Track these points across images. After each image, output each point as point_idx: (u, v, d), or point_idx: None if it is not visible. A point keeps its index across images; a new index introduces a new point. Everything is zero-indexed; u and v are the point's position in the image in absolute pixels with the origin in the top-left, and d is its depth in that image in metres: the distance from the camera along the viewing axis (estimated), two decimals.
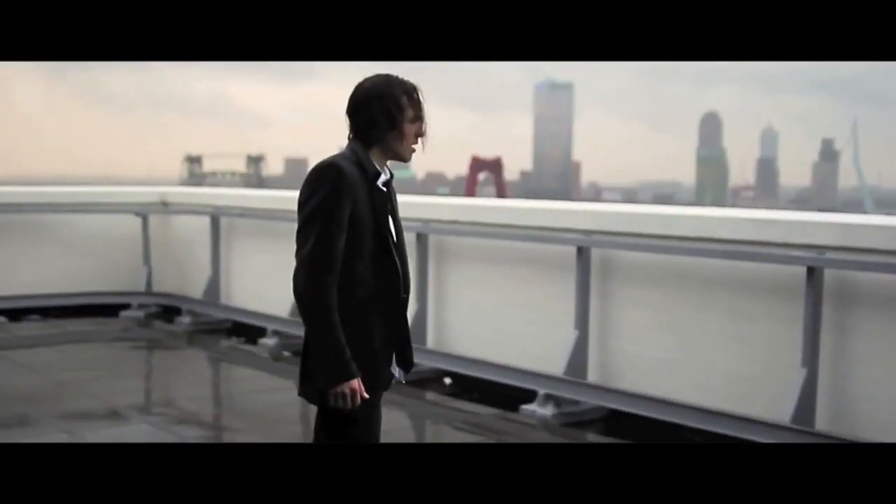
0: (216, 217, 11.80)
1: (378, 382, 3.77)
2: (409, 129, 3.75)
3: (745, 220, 7.48)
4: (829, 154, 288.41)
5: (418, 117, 3.76)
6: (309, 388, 3.74)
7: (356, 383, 3.62)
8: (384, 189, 3.76)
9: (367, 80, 3.75)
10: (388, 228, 3.75)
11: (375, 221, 3.70)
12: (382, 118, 3.71)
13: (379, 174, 3.74)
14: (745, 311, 7.19)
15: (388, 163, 3.84)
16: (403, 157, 3.81)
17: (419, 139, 3.80)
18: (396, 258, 3.75)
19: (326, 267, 3.60)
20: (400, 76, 3.76)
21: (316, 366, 3.67)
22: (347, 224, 3.63)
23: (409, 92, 3.73)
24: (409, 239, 9.36)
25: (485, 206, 10.32)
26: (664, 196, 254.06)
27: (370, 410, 3.76)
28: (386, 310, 3.75)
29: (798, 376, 6.63)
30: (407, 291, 3.81)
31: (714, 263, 7.30)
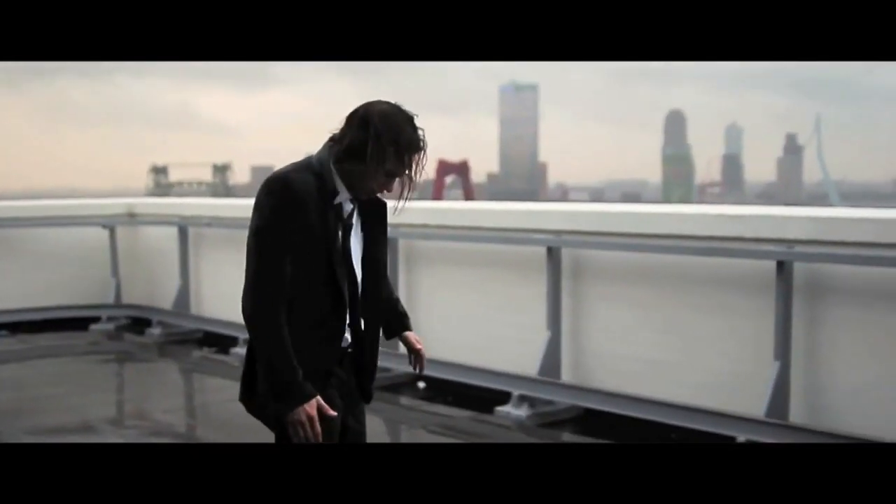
0: (184, 227, 11.73)
1: (329, 381, 3.61)
2: (378, 179, 3.53)
3: (714, 216, 7.51)
4: (793, 149, 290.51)
5: (391, 174, 3.53)
6: (260, 412, 3.68)
7: (313, 407, 3.49)
8: (344, 206, 3.59)
9: (386, 103, 3.55)
10: (337, 248, 3.56)
11: (326, 239, 3.53)
12: (360, 146, 3.48)
13: (336, 192, 3.55)
14: (717, 306, 7.22)
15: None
16: (356, 193, 3.59)
17: (384, 191, 3.60)
18: (342, 282, 3.58)
19: (273, 287, 3.52)
20: (417, 128, 3.53)
21: (266, 390, 3.57)
22: (296, 238, 3.48)
23: (400, 147, 3.48)
24: None
25: (454, 208, 10.31)
26: (632, 195, 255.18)
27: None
28: (330, 333, 3.62)
29: (771, 370, 6.66)
30: (355, 318, 3.66)
31: (685, 260, 7.32)
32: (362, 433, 3.79)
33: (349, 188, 3.56)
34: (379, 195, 3.64)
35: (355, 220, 3.65)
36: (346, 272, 3.60)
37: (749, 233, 7.03)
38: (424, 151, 3.55)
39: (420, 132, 3.53)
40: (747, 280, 6.99)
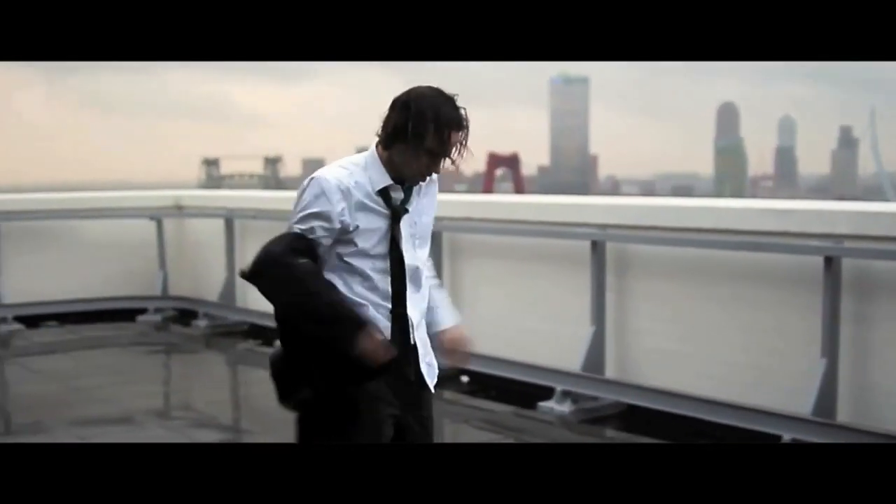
0: (230, 219, 11.77)
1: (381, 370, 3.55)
2: (421, 159, 3.54)
3: (761, 210, 7.40)
4: (847, 142, 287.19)
5: (433, 153, 3.53)
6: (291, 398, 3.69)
7: (374, 331, 3.47)
8: (395, 200, 3.61)
9: (427, 87, 3.58)
10: (381, 236, 3.60)
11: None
12: (403, 131, 3.51)
13: (385, 183, 3.59)
14: (763, 302, 7.11)
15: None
16: (406, 178, 3.62)
17: (431, 172, 3.63)
18: (386, 271, 3.61)
19: (288, 246, 3.55)
20: (458, 107, 3.53)
21: (315, 334, 3.53)
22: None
23: (439, 124, 3.49)
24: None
25: (498, 202, 10.26)
26: (683, 188, 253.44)
27: (373, 404, 3.59)
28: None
29: (818, 367, 6.55)
30: (404, 305, 3.64)
31: (731, 255, 7.21)
32: (426, 437, 3.77)
33: (396, 173, 3.58)
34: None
35: (411, 205, 3.65)
36: (394, 260, 3.61)
37: (796, 227, 6.91)
38: (467, 130, 3.55)
39: (462, 111, 3.53)
40: (795, 275, 6.87)
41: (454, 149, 3.55)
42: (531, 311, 8.68)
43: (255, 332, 10.98)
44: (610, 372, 7.92)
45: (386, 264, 3.61)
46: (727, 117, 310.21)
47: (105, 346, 10.90)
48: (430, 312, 3.84)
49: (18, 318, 11.39)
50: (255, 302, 11.36)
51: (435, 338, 3.83)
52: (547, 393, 7.85)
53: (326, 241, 3.56)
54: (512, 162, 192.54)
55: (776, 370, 6.98)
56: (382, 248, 3.60)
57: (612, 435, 7.35)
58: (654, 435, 7.11)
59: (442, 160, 3.57)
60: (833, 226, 6.73)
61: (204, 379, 9.83)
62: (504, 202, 10.16)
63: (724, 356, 7.28)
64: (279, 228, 10.12)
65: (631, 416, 7.55)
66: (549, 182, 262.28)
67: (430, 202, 3.77)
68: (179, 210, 12.82)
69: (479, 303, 9.03)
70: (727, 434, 6.82)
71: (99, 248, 12.23)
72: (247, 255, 11.65)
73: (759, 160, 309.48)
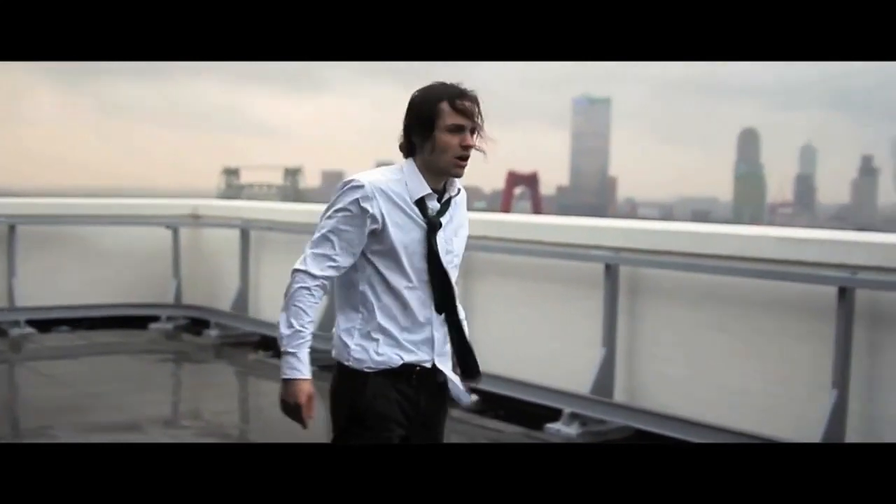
0: (246, 230, 11.78)
1: (404, 373, 3.60)
2: (448, 139, 3.46)
3: (776, 238, 7.36)
4: (868, 171, 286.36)
5: (459, 127, 3.46)
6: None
7: (299, 391, 3.54)
8: (432, 210, 3.55)
9: (418, 89, 3.57)
10: (417, 248, 3.54)
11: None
12: (417, 126, 3.48)
13: (422, 192, 3.53)
14: (775, 330, 7.07)
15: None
16: (446, 171, 3.54)
17: (467, 150, 3.50)
18: (424, 282, 3.57)
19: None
20: (455, 82, 3.52)
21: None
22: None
23: (450, 97, 3.46)
24: None
25: (513, 221, 10.23)
26: (701, 212, 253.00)
27: (379, 433, 3.59)
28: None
29: (829, 397, 6.51)
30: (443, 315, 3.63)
31: (745, 282, 7.18)
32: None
33: (438, 173, 3.54)
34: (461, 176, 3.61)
35: (447, 217, 3.60)
36: (432, 272, 3.57)
37: (811, 257, 6.88)
38: (477, 100, 3.50)
39: (462, 85, 3.51)
40: (808, 305, 6.83)
41: (477, 119, 3.49)
42: (542, 331, 8.65)
43: (266, 343, 10.97)
44: (619, 396, 7.88)
45: (421, 280, 3.57)
46: (748, 143, 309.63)
47: (116, 353, 10.91)
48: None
49: (31, 322, 11.40)
50: (267, 312, 11.38)
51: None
52: (555, 415, 7.82)
53: (357, 240, 3.50)
54: (531, 181, 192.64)
55: (786, 399, 6.93)
56: (419, 261, 3.55)
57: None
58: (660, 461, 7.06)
59: (470, 132, 3.49)
60: (848, 256, 6.69)
61: (213, 388, 9.82)
62: (520, 222, 10.12)
63: (734, 384, 7.23)
64: (295, 241, 10.16)
65: (638, 441, 7.51)
66: (568, 202, 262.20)
67: (462, 223, 3.70)
68: (196, 219, 12.84)
69: (491, 321, 9.01)
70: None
71: (113, 254, 12.26)
72: (261, 266, 11.72)
73: (779, 187, 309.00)
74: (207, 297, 12.26)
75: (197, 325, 11.95)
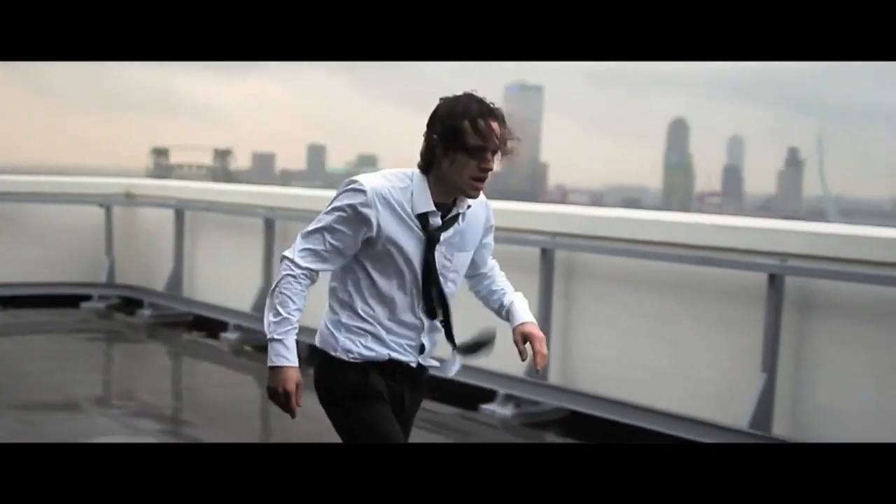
0: (181, 210, 11.71)
1: (389, 367, 3.59)
2: (467, 159, 3.37)
3: (709, 226, 7.52)
4: (794, 162, 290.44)
5: (481, 148, 3.37)
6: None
7: (286, 379, 3.49)
8: (432, 225, 3.48)
9: (450, 96, 3.47)
10: (413, 259, 3.50)
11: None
12: (437, 142, 3.39)
13: (426, 208, 3.45)
14: (707, 316, 7.22)
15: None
16: (460, 191, 3.46)
17: (485, 172, 3.41)
18: (417, 294, 3.56)
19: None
20: (483, 98, 3.42)
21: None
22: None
23: (472, 117, 3.35)
24: None
25: None
26: (631, 200, 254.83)
27: (372, 403, 3.57)
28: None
29: (758, 381, 6.67)
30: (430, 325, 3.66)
31: (679, 268, 7.31)
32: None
33: (452, 190, 3.46)
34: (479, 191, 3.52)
35: (449, 234, 3.53)
36: (426, 283, 3.55)
37: (743, 244, 7.03)
38: (503, 119, 3.43)
39: (491, 103, 3.42)
40: (740, 291, 6.99)
41: (501, 141, 3.41)
42: (479, 315, 8.70)
43: (200, 323, 10.94)
44: (553, 378, 7.99)
45: (414, 288, 3.55)
46: (677, 133, 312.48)
47: (47, 332, 10.80)
48: (502, 303, 3.97)
49: None
50: (202, 293, 11.35)
51: (514, 331, 3.86)
52: (490, 396, 7.91)
53: (350, 242, 3.46)
54: None
55: (716, 382, 7.09)
56: (413, 271, 3.52)
57: (551, 440, 7.42)
58: (592, 440, 7.19)
59: (491, 155, 3.41)
60: (778, 244, 6.85)
61: (146, 368, 9.78)
62: None
63: (666, 367, 7.38)
64: (230, 221, 10.12)
65: (572, 422, 7.63)
66: (499, 188, 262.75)
67: (473, 238, 3.65)
68: (129, 198, 12.72)
69: None
70: (663, 442, 6.92)
71: (45, 233, 12.10)
72: (195, 247, 11.67)
73: (707, 177, 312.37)
74: (141, 277, 12.17)
75: (130, 304, 11.85)
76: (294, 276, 3.47)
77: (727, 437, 6.54)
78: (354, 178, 3.49)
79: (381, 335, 3.57)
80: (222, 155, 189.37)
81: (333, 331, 3.60)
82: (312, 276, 3.50)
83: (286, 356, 3.47)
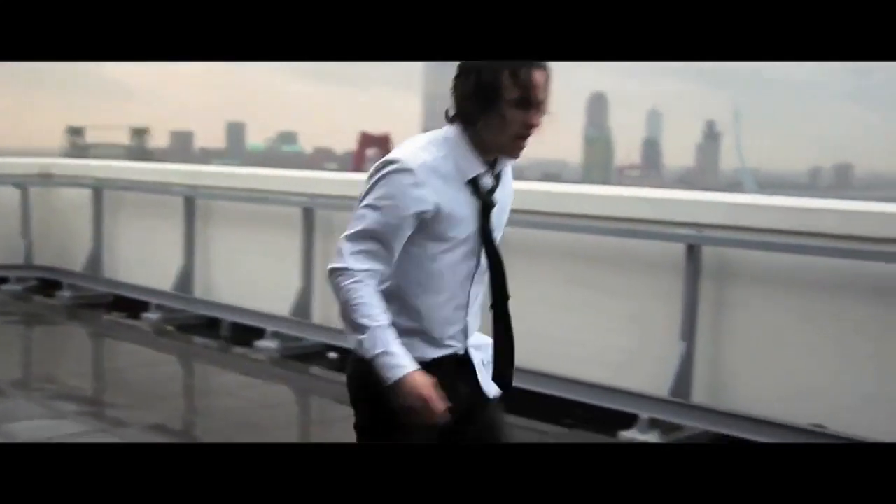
0: (99, 189, 11.55)
1: (435, 364, 3.12)
2: (512, 114, 2.97)
3: (629, 198, 7.62)
4: (711, 135, 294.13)
5: (525, 101, 2.97)
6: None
7: (417, 386, 2.95)
8: (485, 188, 3.09)
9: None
10: (473, 233, 3.09)
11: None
12: (476, 97, 2.99)
13: (475, 171, 3.06)
14: (628, 286, 7.32)
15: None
16: (502, 150, 3.07)
17: (529, 129, 3.02)
18: (480, 271, 3.16)
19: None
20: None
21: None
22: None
23: (513, 68, 2.95)
24: (296, 215, 9.32)
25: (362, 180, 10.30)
26: (552, 174, 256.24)
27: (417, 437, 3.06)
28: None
29: (677, 350, 6.79)
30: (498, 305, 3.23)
31: (600, 240, 7.39)
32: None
33: (492, 150, 3.07)
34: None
35: (497, 195, 3.15)
36: (489, 259, 3.15)
37: (661, 216, 7.14)
38: (547, 71, 3.02)
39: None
40: (659, 261, 7.09)
41: (544, 93, 3.01)
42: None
43: (121, 303, 10.82)
44: None
45: (470, 267, 3.14)
46: (597, 108, 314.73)
47: None
48: None
49: None
50: (122, 274, 11.23)
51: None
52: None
53: (404, 232, 3.01)
54: (383, 142, 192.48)
55: (638, 352, 7.20)
56: (469, 247, 3.11)
57: None
58: (517, 413, 7.24)
59: (536, 109, 3.00)
60: (696, 215, 6.97)
61: (67, 350, 9.67)
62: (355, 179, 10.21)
63: (590, 339, 7.45)
64: (149, 200, 10.02)
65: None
66: None
67: (509, 193, 3.25)
68: (46, 178, 12.50)
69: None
70: (587, 412, 7.02)
71: None
72: (114, 227, 11.52)
73: (627, 151, 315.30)
74: (59, 258, 12.00)
75: (49, 286, 11.68)
76: (358, 280, 2.98)
77: (649, 405, 6.64)
78: (392, 157, 3.02)
79: (432, 332, 3.14)
80: (139, 133, 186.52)
81: None
82: (376, 276, 3.01)
83: (400, 364, 2.95)
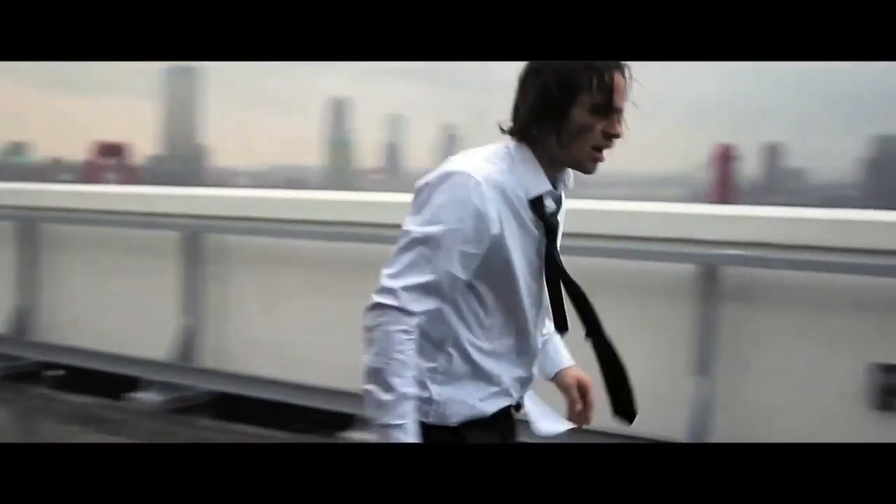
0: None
1: (490, 419, 2.66)
2: (590, 121, 2.50)
3: (359, 203, 7.82)
4: (451, 137, 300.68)
5: (608, 107, 2.50)
6: None
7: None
8: (546, 202, 2.60)
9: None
10: (537, 262, 2.62)
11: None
12: (546, 102, 2.51)
13: (541, 188, 2.57)
14: (355, 291, 7.39)
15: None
16: (577, 165, 2.59)
17: (611, 140, 2.54)
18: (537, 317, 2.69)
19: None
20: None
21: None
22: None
23: (597, 69, 2.48)
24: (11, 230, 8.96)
25: (98, 192, 10.12)
26: (296, 180, 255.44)
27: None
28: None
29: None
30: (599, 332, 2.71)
31: (330, 246, 7.44)
32: None
33: (562, 165, 2.61)
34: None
35: (560, 217, 2.69)
36: (552, 287, 2.65)
37: (389, 219, 7.27)
38: (628, 72, 2.55)
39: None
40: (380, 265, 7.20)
41: (625, 98, 2.54)
42: (120, 302, 8.52)
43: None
44: (206, 361, 7.92)
45: (534, 303, 2.66)
46: (337, 112, 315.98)
47: None
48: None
49: None
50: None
51: (557, 377, 2.96)
52: (135, 384, 7.81)
53: (472, 258, 2.51)
54: (118, 151, 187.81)
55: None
56: (533, 277, 2.63)
57: (206, 423, 7.37)
58: (248, 422, 7.23)
59: (619, 116, 2.54)
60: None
61: None
62: (106, 193, 10.01)
63: (323, 344, 7.39)
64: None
65: (223, 405, 7.60)
66: (164, 171, 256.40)
67: (564, 213, 2.73)
68: None
69: (77, 294, 8.79)
70: (325, 419, 7.04)
71: None
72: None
73: (370, 154, 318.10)
74: None
75: None
76: (407, 332, 2.47)
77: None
78: (453, 168, 2.52)
79: (495, 376, 2.66)
80: None
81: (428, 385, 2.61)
82: (429, 317, 2.53)
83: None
